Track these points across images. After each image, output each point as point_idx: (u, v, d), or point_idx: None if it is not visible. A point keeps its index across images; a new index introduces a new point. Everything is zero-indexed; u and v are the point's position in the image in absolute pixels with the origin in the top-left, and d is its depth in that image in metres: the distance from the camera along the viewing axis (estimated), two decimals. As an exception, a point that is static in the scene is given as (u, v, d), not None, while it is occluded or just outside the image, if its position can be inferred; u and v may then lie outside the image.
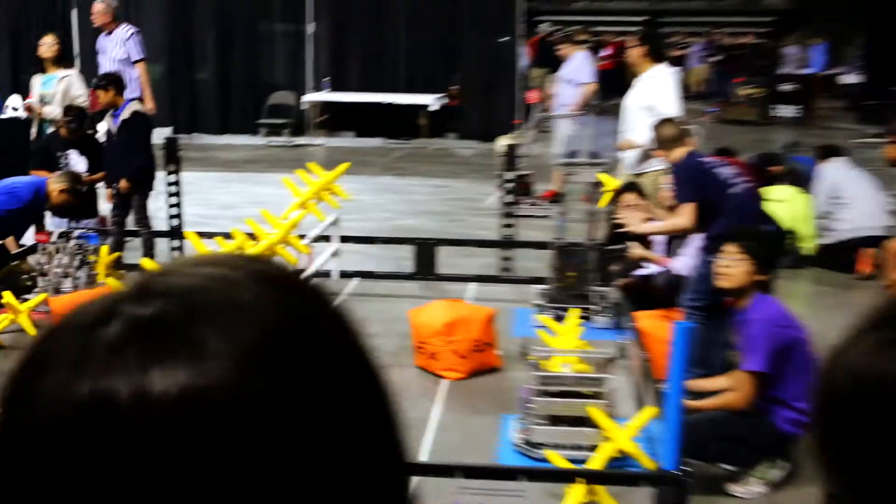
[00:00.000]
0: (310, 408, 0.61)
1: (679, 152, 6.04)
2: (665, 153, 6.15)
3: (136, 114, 7.78)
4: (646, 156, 7.54)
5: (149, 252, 7.73)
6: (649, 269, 6.67)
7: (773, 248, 4.94)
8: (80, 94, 9.01)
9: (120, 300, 0.63)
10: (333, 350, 0.65)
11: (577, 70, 11.17)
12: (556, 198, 10.85)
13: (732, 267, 4.57)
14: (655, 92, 7.56)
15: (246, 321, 0.62)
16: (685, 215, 5.84)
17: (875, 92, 19.54)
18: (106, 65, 9.88)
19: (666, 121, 6.44)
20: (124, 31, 9.91)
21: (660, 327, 5.71)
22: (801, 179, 9.04)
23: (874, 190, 8.58)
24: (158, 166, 8.07)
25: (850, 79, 24.64)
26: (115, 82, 7.88)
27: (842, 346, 0.88)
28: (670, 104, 7.40)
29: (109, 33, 9.87)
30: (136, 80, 9.80)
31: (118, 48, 9.77)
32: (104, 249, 7.51)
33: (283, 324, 0.63)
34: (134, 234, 7.94)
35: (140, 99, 9.68)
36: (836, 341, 0.89)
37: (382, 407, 0.67)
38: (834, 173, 8.65)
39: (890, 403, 0.81)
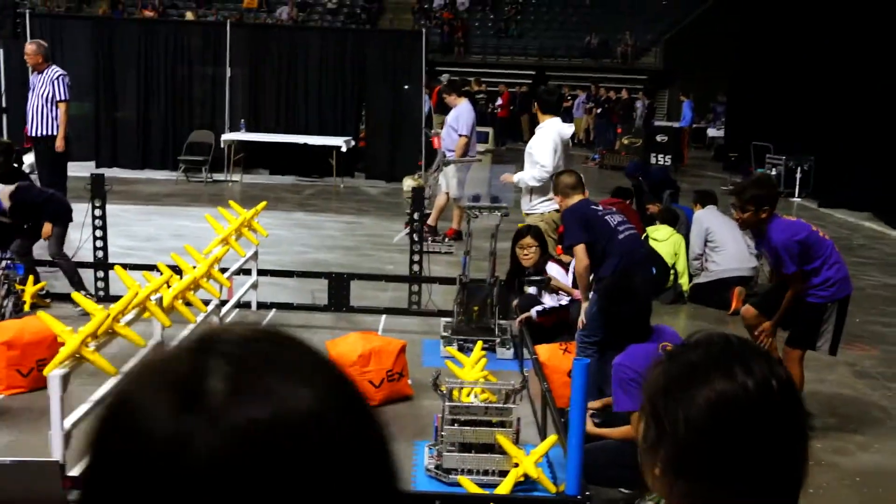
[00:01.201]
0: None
1: (572, 201, 6.11)
2: (561, 199, 6.22)
3: (12, 195, 7.38)
4: (530, 197, 7.68)
5: (75, 280, 7.41)
6: (551, 302, 6.70)
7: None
8: None
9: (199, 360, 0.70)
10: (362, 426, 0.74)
11: (457, 119, 10.76)
12: (456, 236, 10.90)
13: None
14: (536, 141, 7.73)
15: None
16: (578, 258, 5.91)
17: (735, 144, 20.29)
18: (33, 101, 9.72)
19: (567, 171, 6.54)
20: (53, 72, 9.78)
21: (558, 359, 5.75)
22: (675, 221, 9.26)
23: (741, 234, 8.83)
24: (84, 199, 7.80)
25: (714, 132, 25.60)
26: (8, 150, 7.64)
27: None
28: (544, 154, 7.52)
29: (40, 73, 9.72)
30: (57, 119, 9.68)
31: (46, 87, 9.63)
32: (31, 279, 7.22)
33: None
34: (53, 264, 7.61)
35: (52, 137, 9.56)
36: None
37: (388, 453, 0.76)
38: (708, 218, 8.83)
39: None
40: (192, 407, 0.66)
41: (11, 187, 7.36)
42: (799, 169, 16.53)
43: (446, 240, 10.80)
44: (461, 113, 10.79)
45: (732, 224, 8.96)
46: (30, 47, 9.84)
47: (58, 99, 9.69)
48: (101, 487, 0.68)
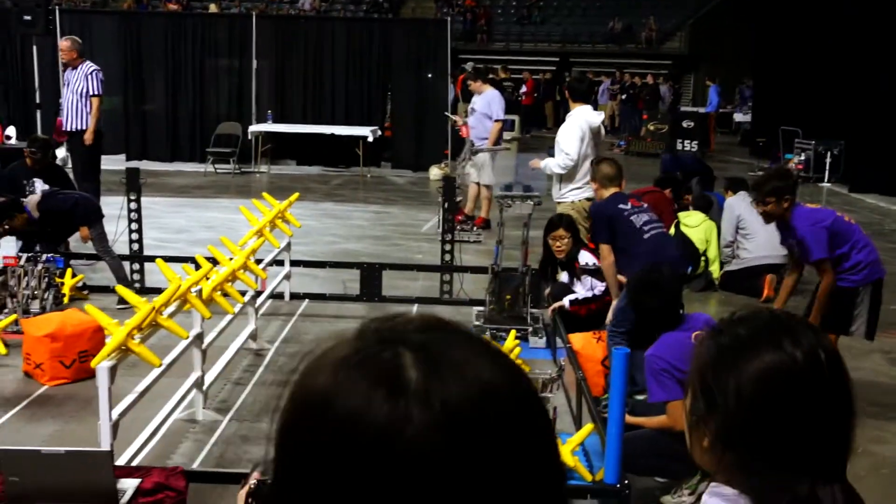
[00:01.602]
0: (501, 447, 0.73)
1: (606, 193, 6.11)
2: (598, 188, 6.20)
3: (40, 204, 7.42)
4: (560, 185, 7.67)
5: (121, 276, 7.51)
6: (584, 291, 6.72)
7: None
8: None
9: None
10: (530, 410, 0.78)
11: (488, 105, 10.74)
12: (484, 224, 10.94)
13: None
14: (563, 129, 7.70)
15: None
16: (603, 256, 5.94)
17: (763, 129, 20.13)
18: (68, 96, 9.87)
19: (608, 160, 6.52)
20: (87, 67, 9.94)
21: (592, 347, 5.78)
22: (709, 208, 9.24)
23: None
24: (117, 192, 7.91)
25: (741, 117, 25.40)
26: (46, 146, 7.71)
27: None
28: (570, 142, 7.48)
29: (74, 68, 9.87)
30: (90, 113, 9.83)
31: (80, 82, 9.78)
32: (69, 272, 7.34)
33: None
34: (97, 258, 7.75)
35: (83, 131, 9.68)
36: None
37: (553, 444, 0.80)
38: (739, 205, 8.74)
39: None
40: (401, 394, 0.71)
41: (38, 197, 7.46)
42: (829, 154, 16.41)
43: (475, 229, 10.84)
44: (492, 99, 10.78)
45: None
46: (64, 43, 9.99)
47: (91, 93, 9.84)
48: (307, 481, 0.73)
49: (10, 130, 11.88)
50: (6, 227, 7.17)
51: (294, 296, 7.84)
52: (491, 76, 19.20)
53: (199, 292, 5.07)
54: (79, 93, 9.81)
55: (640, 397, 4.99)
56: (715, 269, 8.76)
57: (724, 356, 1.33)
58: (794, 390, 1.28)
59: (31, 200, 7.38)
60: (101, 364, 3.93)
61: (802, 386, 1.28)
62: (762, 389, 1.28)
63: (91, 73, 9.87)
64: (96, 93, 9.88)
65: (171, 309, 4.77)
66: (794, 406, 1.27)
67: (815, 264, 5.41)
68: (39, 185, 7.93)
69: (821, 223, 5.36)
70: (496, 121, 10.69)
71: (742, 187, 9.06)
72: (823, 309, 5.45)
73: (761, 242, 8.41)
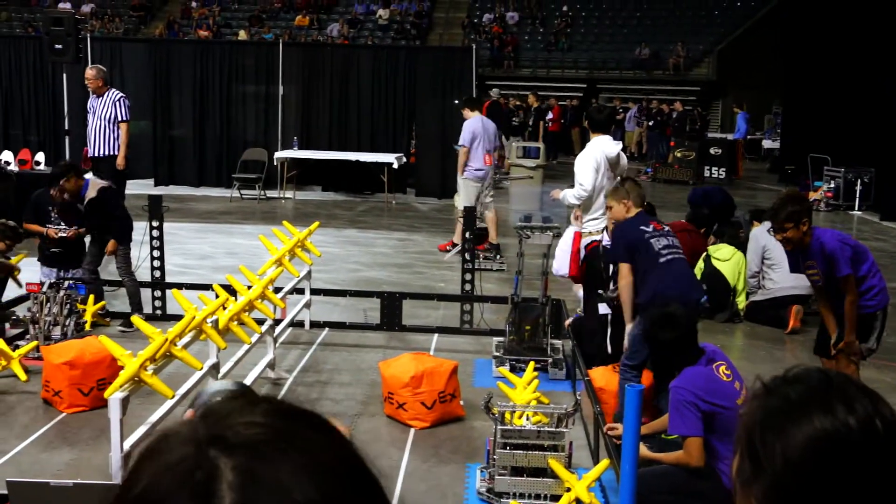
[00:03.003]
0: None
1: (631, 212, 6.01)
2: (626, 205, 6.07)
3: (101, 190, 7.64)
4: (575, 216, 7.59)
5: (135, 302, 7.61)
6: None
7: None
8: None
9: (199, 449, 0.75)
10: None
11: (463, 131, 11.15)
12: (491, 247, 10.89)
13: None
14: (579, 160, 7.56)
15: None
16: (622, 275, 5.86)
17: (792, 156, 19.97)
18: (93, 123, 10.02)
19: (631, 179, 6.45)
20: (114, 94, 10.13)
21: (611, 380, 5.73)
22: (738, 240, 9.12)
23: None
24: (141, 218, 7.99)
25: (769, 143, 25.23)
26: (73, 168, 7.80)
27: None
28: (585, 173, 7.35)
29: (99, 96, 10.04)
30: (119, 139, 9.99)
31: (107, 109, 9.96)
32: (91, 299, 7.40)
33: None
34: (119, 283, 7.82)
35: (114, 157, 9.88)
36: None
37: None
38: (765, 236, 8.56)
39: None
40: None
41: (104, 183, 7.73)
42: (859, 181, 16.24)
43: (481, 254, 10.83)
44: (465, 126, 11.17)
45: None
46: (90, 72, 10.15)
47: (119, 119, 10.03)
48: None
49: (40, 156, 12.06)
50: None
51: (314, 324, 7.85)
52: (498, 100, 19.35)
53: (215, 322, 5.08)
54: (106, 119, 9.99)
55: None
56: (741, 301, 8.66)
57: (773, 418, 1.27)
58: (845, 458, 1.21)
59: (95, 181, 7.71)
60: (114, 395, 3.94)
61: (855, 454, 1.21)
62: (811, 455, 1.22)
63: (118, 100, 10.06)
64: (124, 118, 10.08)
65: (186, 339, 4.78)
66: (845, 475, 1.21)
67: (841, 280, 5.34)
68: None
69: (847, 240, 5.38)
70: (461, 146, 11.07)
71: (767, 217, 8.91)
72: (855, 324, 5.39)
73: (787, 273, 8.27)
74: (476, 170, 11.02)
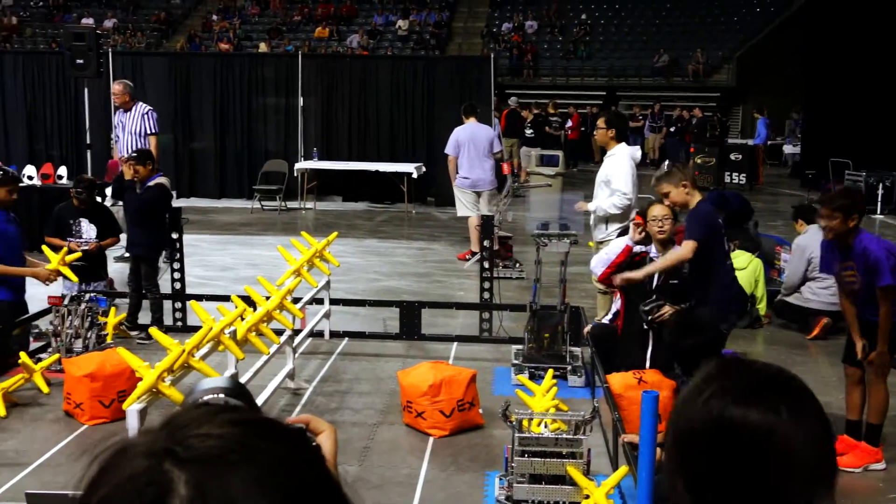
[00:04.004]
0: None
1: (695, 197, 5.95)
2: (688, 188, 5.98)
3: (163, 188, 7.76)
4: (606, 225, 7.54)
5: (157, 313, 7.66)
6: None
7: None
8: None
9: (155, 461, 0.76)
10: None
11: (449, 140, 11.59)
12: (473, 255, 10.90)
13: None
14: (614, 168, 7.54)
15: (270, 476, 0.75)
16: (687, 248, 5.74)
17: (812, 161, 19.80)
18: (124, 138, 10.12)
19: (675, 165, 6.44)
20: (142, 108, 10.26)
21: (634, 389, 5.68)
22: (754, 246, 9.02)
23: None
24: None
25: (790, 149, 25.05)
26: (150, 156, 7.93)
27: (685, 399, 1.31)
28: (625, 181, 7.38)
29: (127, 110, 10.15)
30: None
31: (136, 123, 10.08)
32: (112, 311, 7.44)
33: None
34: (143, 296, 7.86)
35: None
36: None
37: None
38: (812, 244, 7.92)
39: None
40: None
41: (168, 187, 7.88)
42: (880, 185, 16.09)
43: (467, 265, 10.90)
44: (452, 135, 11.53)
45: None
46: (117, 87, 10.28)
47: (148, 132, 10.16)
48: None
49: (62, 170, 12.17)
50: (136, 172, 7.57)
51: (334, 334, 7.85)
52: (516, 108, 19.46)
53: (233, 333, 5.09)
54: (136, 133, 10.10)
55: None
56: (762, 308, 8.56)
57: (693, 392, 1.32)
58: (707, 445, 1.26)
59: (165, 179, 7.88)
60: (131, 407, 3.96)
61: (710, 444, 1.25)
62: (699, 429, 1.27)
63: (147, 114, 10.19)
64: (153, 131, 10.21)
65: (204, 350, 4.79)
66: (705, 459, 1.26)
67: (880, 290, 5.24)
68: (86, 226, 8.08)
69: (893, 250, 5.28)
70: (446, 154, 11.55)
71: (814, 215, 8.24)
72: (888, 335, 5.31)
73: (830, 291, 7.80)
74: (463, 178, 11.23)
